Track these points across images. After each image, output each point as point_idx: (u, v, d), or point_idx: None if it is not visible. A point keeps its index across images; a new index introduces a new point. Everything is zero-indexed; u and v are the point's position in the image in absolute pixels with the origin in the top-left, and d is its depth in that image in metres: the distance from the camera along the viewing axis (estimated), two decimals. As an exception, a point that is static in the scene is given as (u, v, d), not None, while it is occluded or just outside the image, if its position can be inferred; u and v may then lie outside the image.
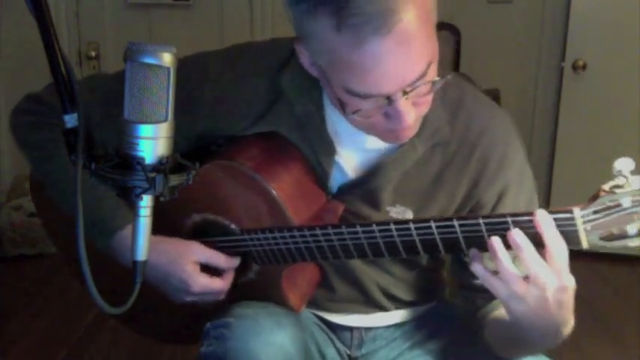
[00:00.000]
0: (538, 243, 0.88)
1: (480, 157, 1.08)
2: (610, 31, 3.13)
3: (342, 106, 0.95)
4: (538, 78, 3.40)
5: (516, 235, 0.88)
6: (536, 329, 0.95)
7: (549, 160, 3.42)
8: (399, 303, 1.25)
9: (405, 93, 0.90)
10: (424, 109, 0.98)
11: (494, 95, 2.83)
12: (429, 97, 0.97)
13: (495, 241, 0.89)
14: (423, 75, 0.91)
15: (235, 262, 1.15)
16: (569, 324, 0.96)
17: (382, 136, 1.01)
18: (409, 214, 1.11)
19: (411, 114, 0.93)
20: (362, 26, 0.85)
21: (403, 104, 0.91)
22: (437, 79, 0.94)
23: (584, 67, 3.18)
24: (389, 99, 0.91)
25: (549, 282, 0.88)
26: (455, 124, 1.08)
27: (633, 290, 2.97)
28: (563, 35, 3.24)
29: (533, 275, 0.88)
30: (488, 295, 1.08)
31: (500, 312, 1.07)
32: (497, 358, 1.10)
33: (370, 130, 1.00)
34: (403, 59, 0.88)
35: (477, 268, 0.91)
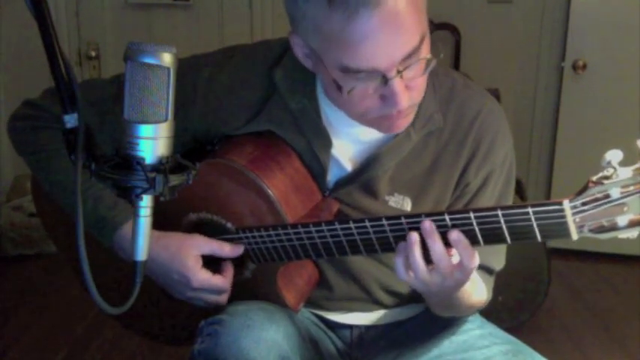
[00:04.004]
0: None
1: (472, 142, 1.11)
2: (610, 31, 3.13)
3: (338, 88, 0.96)
4: (538, 78, 3.40)
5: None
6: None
7: (549, 159, 3.42)
8: (399, 298, 1.25)
9: (399, 72, 0.92)
10: (417, 94, 0.99)
11: (495, 95, 2.83)
12: (422, 81, 0.99)
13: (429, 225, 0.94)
14: (416, 51, 0.92)
15: (240, 249, 1.14)
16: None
17: (377, 123, 1.02)
18: (407, 202, 1.12)
19: (406, 96, 0.95)
20: (352, 0, 0.87)
21: (398, 83, 0.93)
22: (430, 56, 0.95)
23: (584, 67, 3.18)
24: (384, 78, 0.93)
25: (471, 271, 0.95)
26: (447, 112, 1.11)
27: (633, 290, 2.97)
28: (563, 35, 3.24)
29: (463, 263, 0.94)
30: None
31: None
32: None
33: (365, 116, 1.01)
34: (394, 32, 0.90)
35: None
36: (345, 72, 0.94)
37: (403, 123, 1.02)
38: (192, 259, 1.11)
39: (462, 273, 0.95)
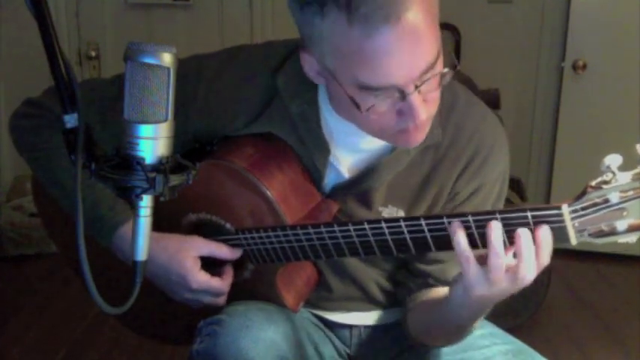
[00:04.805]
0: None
1: (468, 155, 1.11)
2: (610, 31, 3.13)
3: (356, 107, 0.95)
4: (538, 78, 3.40)
5: (523, 232, 0.88)
6: (472, 311, 0.99)
7: (549, 159, 3.42)
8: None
9: (416, 87, 0.92)
10: (433, 107, 0.99)
11: (495, 95, 2.83)
12: (437, 94, 0.98)
13: (495, 227, 0.88)
14: (433, 65, 0.92)
15: (238, 252, 1.14)
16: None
17: (394, 138, 1.01)
18: (401, 214, 1.12)
19: (423, 109, 0.94)
20: (372, 16, 0.86)
21: (416, 98, 0.93)
22: (445, 70, 0.95)
23: (584, 67, 3.18)
24: (402, 93, 0.92)
25: (527, 277, 0.89)
26: (447, 126, 1.10)
27: (634, 290, 2.97)
28: (563, 35, 3.24)
29: (517, 266, 0.88)
30: (423, 281, 1.14)
31: (432, 294, 1.12)
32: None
33: (382, 132, 1.00)
34: (413, 47, 0.89)
35: (460, 239, 0.91)
36: (362, 89, 0.93)
37: (420, 137, 1.01)
38: (190, 261, 1.11)
39: (511, 280, 0.90)
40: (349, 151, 1.12)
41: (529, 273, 0.89)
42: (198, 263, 1.12)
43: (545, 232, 0.88)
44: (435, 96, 0.98)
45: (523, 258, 0.88)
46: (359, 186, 1.11)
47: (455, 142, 1.11)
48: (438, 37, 0.93)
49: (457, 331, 1.09)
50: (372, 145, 1.09)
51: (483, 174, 1.11)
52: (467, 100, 1.14)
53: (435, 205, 1.13)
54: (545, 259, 0.89)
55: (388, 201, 1.12)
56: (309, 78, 1.03)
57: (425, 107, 0.94)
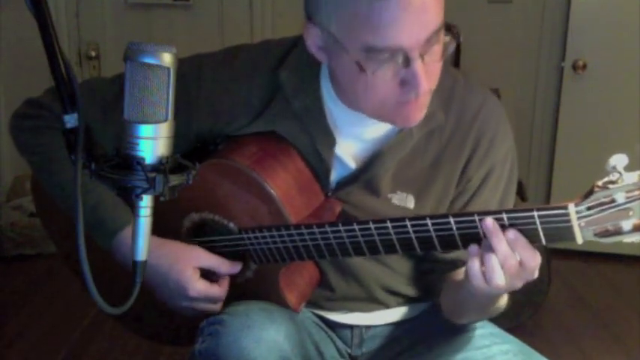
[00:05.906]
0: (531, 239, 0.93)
1: (473, 139, 1.12)
2: (610, 31, 3.13)
3: (361, 70, 0.96)
4: (538, 78, 3.40)
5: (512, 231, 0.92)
6: (488, 299, 1.04)
7: (549, 159, 3.42)
8: (400, 298, 1.25)
9: (421, 55, 0.93)
10: (433, 81, 1.01)
11: (494, 95, 2.83)
12: (439, 67, 1.00)
13: (492, 224, 0.91)
14: (438, 32, 0.94)
15: (238, 267, 1.15)
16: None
17: (394, 114, 1.02)
18: (410, 200, 1.13)
19: (426, 80, 0.95)
20: None
21: (419, 66, 0.94)
22: (448, 40, 0.97)
23: (584, 67, 3.18)
24: (406, 59, 0.94)
25: (535, 268, 0.94)
26: (449, 109, 1.12)
27: (634, 290, 2.97)
28: (563, 35, 3.24)
29: (524, 261, 0.92)
30: (453, 266, 1.15)
31: (456, 275, 1.13)
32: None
33: (384, 103, 1.01)
34: (421, 11, 0.91)
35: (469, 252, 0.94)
36: (369, 52, 0.94)
37: (419, 114, 1.02)
38: (190, 270, 1.12)
39: (525, 272, 0.94)
40: (353, 140, 1.13)
41: (535, 262, 0.92)
42: (198, 272, 1.13)
43: (512, 230, 0.91)
44: (436, 68, 0.99)
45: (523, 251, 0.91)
46: (365, 175, 1.12)
47: (459, 126, 1.12)
48: (442, 7, 0.95)
49: (479, 311, 1.12)
50: (376, 133, 1.10)
51: (492, 156, 1.12)
52: (466, 82, 1.15)
53: (446, 191, 1.13)
54: (525, 251, 0.91)
55: (396, 187, 1.13)
56: (309, 71, 1.05)
57: (427, 78, 0.96)
